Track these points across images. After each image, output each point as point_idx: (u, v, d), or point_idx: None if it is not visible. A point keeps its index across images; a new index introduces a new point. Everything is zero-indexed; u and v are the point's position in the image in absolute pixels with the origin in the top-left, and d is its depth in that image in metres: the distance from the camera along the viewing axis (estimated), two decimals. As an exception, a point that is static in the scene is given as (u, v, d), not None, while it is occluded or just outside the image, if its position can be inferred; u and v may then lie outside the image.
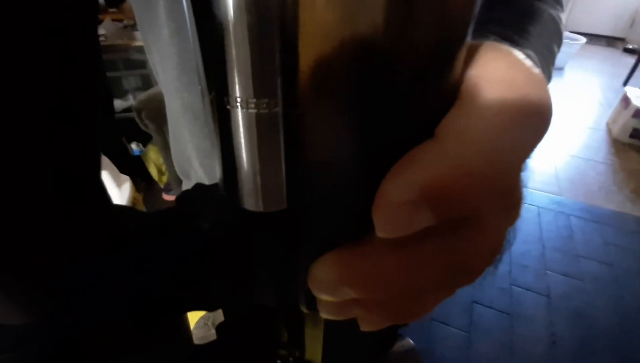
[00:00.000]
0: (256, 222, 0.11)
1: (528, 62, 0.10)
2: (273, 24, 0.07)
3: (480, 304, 1.23)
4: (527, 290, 1.28)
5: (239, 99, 0.08)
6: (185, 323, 0.17)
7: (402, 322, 0.12)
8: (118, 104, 2.11)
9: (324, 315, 0.12)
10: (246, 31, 0.07)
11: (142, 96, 1.01)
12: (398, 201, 0.08)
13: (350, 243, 0.10)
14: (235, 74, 0.08)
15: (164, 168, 1.42)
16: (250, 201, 0.10)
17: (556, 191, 1.74)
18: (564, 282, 1.30)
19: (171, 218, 0.13)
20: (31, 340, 0.10)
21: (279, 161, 0.09)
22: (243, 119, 0.08)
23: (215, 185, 0.12)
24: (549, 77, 0.30)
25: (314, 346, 0.19)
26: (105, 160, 0.66)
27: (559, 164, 1.94)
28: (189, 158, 0.41)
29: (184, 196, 0.13)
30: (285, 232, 0.11)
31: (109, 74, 1.77)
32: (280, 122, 0.08)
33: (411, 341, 0.34)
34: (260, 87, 0.08)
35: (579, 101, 2.59)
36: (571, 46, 3.03)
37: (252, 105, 0.08)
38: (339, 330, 0.18)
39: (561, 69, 3.09)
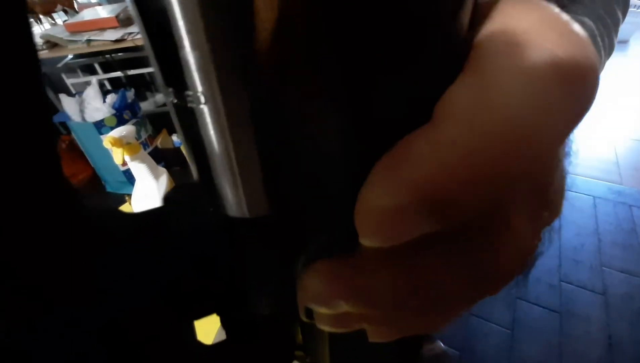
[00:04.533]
0: (240, 228, 0.10)
1: (564, 17, 0.07)
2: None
3: (525, 300, 1.15)
4: (580, 287, 1.18)
5: (201, 96, 0.07)
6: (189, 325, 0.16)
7: (416, 334, 0.10)
8: (159, 98, 2.23)
9: (322, 328, 0.11)
10: (197, 8, 0.06)
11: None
12: (383, 206, 0.06)
13: (344, 249, 0.09)
14: (194, 69, 0.06)
15: (201, 159, 1.47)
16: (231, 207, 0.09)
17: (617, 180, 1.58)
18: (624, 280, 1.19)
19: (153, 219, 0.12)
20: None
21: (255, 159, 0.08)
22: (209, 118, 0.07)
23: (198, 183, 0.11)
24: (610, 48, 0.26)
25: (322, 353, 0.18)
26: (142, 153, 0.68)
27: (620, 149, 1.75)
28: None
29: (169, 196, 0.12)
30: (271, 238, 0.10)
31: (150, 69, 1.86)
32: (250, 117, 0.07)
33: (442, 344, 0.31)
34: (225, 81, 0.06)
35: (647, 78, 2.31)
36: (638, 15, 2.69)
37: (215, 100, 0.07)
38: (346, 340, 0.16)
39: (625, 42, 2.76)
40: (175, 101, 0.07)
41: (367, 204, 0.07)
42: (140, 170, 0.69)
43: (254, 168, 0.08)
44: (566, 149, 0.10)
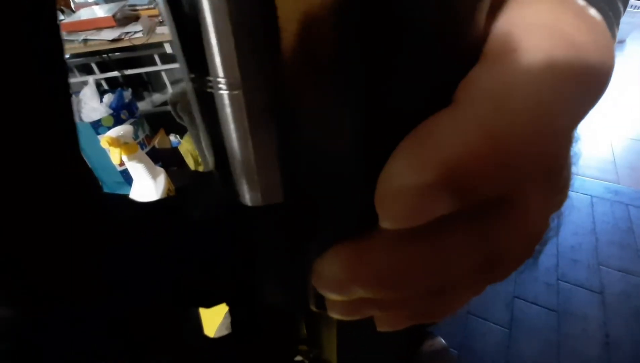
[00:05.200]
0: (254, 216, 0.10)
1: (580, 2, 0.07)
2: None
3: (522, 299, 1.16)
4: (577, 286, 1.18)
5: (222, 81, 0.07)
6: (195, 315, 0.16)
7: (424, 322, 0.10)
8: (157, 97, 2.22)
9: (333, 316, 0.11)
10: (229, 10, 0.06)
11: (177, 89, 1.05)
12: (410, 184, 0.06)
13: (359, 235, 0.09)
14: (218, 57, 0.06)
15: (199, 158, 1.47)
16: (247, 196, 0.09)
17: (613, 179, 1.59)
18: (621, 279, 1.19)
19: (166, 207, 0.12)
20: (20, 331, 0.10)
21: (273, 149, 0.08)
22: (228, 104, 0.07)
23: (210, 173, 0.11)
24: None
25: (329, 345, 0.18)
26: (140, 153, 0.68)
27: (618, 149, 1.76)
28: None
29: (182, 186, 0.13)
30: (284, 226, 0.10)
31: (148, 69, 1.85)
32: (272, 106, 0.07)
33: (443, 340, 0.31)
34: (246, 69, 0.07)
35: (643, 78, 2.32)
36: (634, 15, 2.70)
37: (237, 88, 0.07)
38: (354, 330, 0.16)
39: (622, 42, 2.78)
40: (196, 86, 0.08)
41: (390, 184, 0.07)
42: (138, 170, 0.68)
43: (270, 155, 0.08)
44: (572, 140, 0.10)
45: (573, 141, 0.10)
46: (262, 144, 0.08)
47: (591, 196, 1.51)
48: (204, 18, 0.06)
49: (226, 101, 0.07)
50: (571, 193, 1.52)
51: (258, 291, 0.13)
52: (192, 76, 0.08)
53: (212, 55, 0.07)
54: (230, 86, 0.07)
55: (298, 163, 0.08)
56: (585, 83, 0.07)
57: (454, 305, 0.10)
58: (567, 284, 1.19)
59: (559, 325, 1.09)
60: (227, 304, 0.15)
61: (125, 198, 0.13)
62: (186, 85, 0.08)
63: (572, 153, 0.10)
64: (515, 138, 0.06)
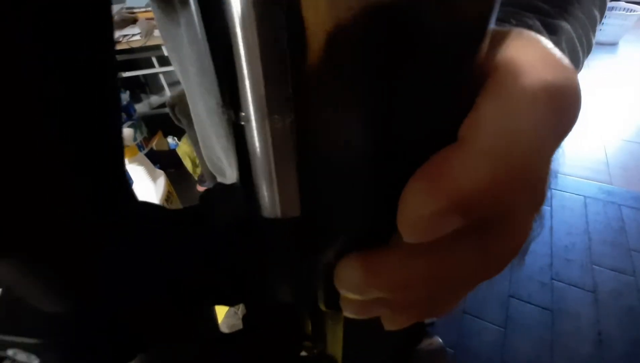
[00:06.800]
0: (272, 227, 0.11)
1: (557, 52, 0.09)
2: (281, 42, 0.07)
3: (517, 299, 1.17)
4: (571, 285, 1.20)
5: (253, 116, 0.08)
6: (211, 311, 0.17)
7: (427, 319, 0.12)
8: (154, 100, 2.22)
9: (347, 314, 0.12)
10: (257, 52, 0.07)
11: (175, 92, 1.05)
12: (425, 212, 0.08)
13: (376, 245, 0.10)
14: (248, 93, 0.08)
15: (197, 160, 1.47)
16: (267, 209, 0.10)
17: (606, 180, 1.61)
18: (613, 278, 1.21)
19: (191, 215, 0.13)
20: (66, 327, 0.11)
21: (293, 170, 0.09)
22: (257, 134, 0.08)
23: (234, 186, 0.12)
24: (588, 48, 0.27)
25: (334, 342, 0.19)
26: (140, 156, 0.69)
27: (610, 150, 1.78)
28: (220, 158, 0.42)
29: (205, 195, 0.14)
30: (300, 236, 0.11)
31: (145, 71, 1.86)
32: (293, 133, 0.08)
33: (440, 340, 0.32)
34: (272, 105, 0.08)
35: (635, 80, 2.34)
36: (626, 17, 2.73)
37: (266, 121, 0.08)
38: (359, 328, 0.18)
39: (614, 44, 2.81)
40: (231, 119, 0.09)
41: (410, 210, 0.08)
42: (138, 173, 0.69)
43: (290, 176, 0.09)
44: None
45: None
46: (283, 165, 0.09)
47: (584, 196, 1.53)
48: (240, 65, 0.07)
49: (254, 130, 0.08)
50: (565, 194, 1.54)
51: (271, 292, 0.14)
52: (228, 110, 0.09)
53: (245, 95, 0.08)
54: (258, 119, 0.08)
55: (315, 182, 0.09)
56: (566, 117, 0.08)
57: (453, 302, 0.12)
58: (561, 283, 1.21)
59: (552, 324, 1.10)
60: (244, 303, 0.16)
61: (156, 206, 0.14)
62: (221, 116, 0.10)
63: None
64: (513, 172, 0.08)
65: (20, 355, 0.11)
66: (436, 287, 0.10)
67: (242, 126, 0.08)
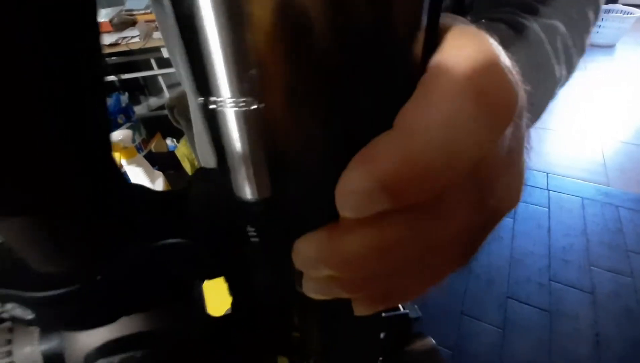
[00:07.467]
0: (246, 207, 0.12)
1: (496, 48, 0.10)
2: (244, 30, 0.08)
3: (515, 300, 1.18)
4: (569, 286, 1.21)
5: (222, 100, 0.09)
6: (199, 293, 0.18)
7: (390, 306, 0.13)
8: (153, 101, 2.22)
9: (307, 293, 0.13)
10: (222, 41, 0.08)
11: (174, 93, 1.06)
12: (355, 189, 0.09)
13: (328, 224, 0.11)
14: (217, 78, 0.08)
15: (196, 162, 1.47)
16: (240, 190, 0.11)
17: (604, 181, 1.62)
18: (611, 279, 1.21)
19: (176, 196, 0.14)
20: (65, 285, 0.12)
21: (263, 152, 0.10)
22: (226, 117, 0.09)
23: (214, 169, 0.13)
24: (581, 49, 0.28)
25: (312, 329, 0.19)
26: (139, 157, 0.69)
27: (608, 152, 1.79)
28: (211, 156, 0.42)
29: (190, 178, 0.15)
30: (272, 216, 0.12)
31: (144, 73, 1.86)
32: (260, 116, 0.09)
33: (433, 341, 0.33)
34: (241, 88, 0.08)
35: (632, 82, 2.36)
36: (624, 20, 2.75)
37: (233, 104, 0.09)
38: (334, 319, 0.18)
39: (612, 46, 2.82)
40: (204, 104, 0.09)
41: (344, 187, 0.09)
42: (137, 174, 0.69)
43: (261, 159, 0.10)
44: (523, 149, 0.12)
45: (524, 149, 0.11)
46: (253, 147, 0.10)
47: (582, 198, 1.53)
48: (209, 51, 0.08)
49: (226, 115, 0.09)
50: (562, 195, 1.55)
51: (251, 272, 0.15)
52: (200, 97, 0.09)
53: (215, 80, 0.08)
54: (230, 104, 0.09)
55: (283, 166, 0.10)
56: (488, 117, 0.09)
57: (413, 290, 0.13)
58: (559, 284, 1.21)
59: (551, 325, 1.11)
60: (225, 279, 0.17)
61: (144, 187, 0.15)
62: (194, 103, 0.10)
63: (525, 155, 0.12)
64: (427, 161, 0.08)
65: (17, 310, 0.12)
66: (382, 267, 0.11)
67: (214, 110, 0.09)
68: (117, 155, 0.65)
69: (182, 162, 1.51)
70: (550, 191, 1.58)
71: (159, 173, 0.77)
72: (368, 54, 0.09)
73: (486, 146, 0.09)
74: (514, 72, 0.10)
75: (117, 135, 0.67)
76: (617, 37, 2.80)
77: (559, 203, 1.52)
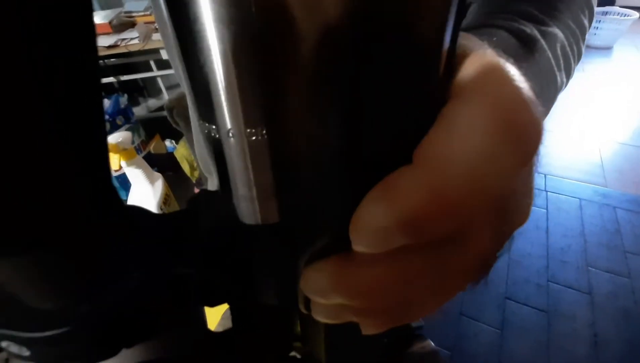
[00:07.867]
0: (253, 233, 0.11)
1: (518, 78, 0.09)
2: (254, 64, 0.07)
3: (513, 300, 1.18)
4: (567, 287, 1.21)
5: (228, 130, 0.08)
6: (200, 310, 0.18)
7: (399, 325, 0.12)
8: (152, 103, 2.22)
9: (315, 317, 0.13)
10: (233, 72, 0.07)
11: (173, 95, 1.06)
12: (372, 226, 0.09)
13: (343, 252, 0.10)
14: (225, 110, 0.08)
15: (195, 163, 1.47)
16: (247, 216, 0.10)
17: (601, 182, 1.62)
18: (609, 280, 1.22)
19: (178, 219, 0.14)
20: (63, 323, 0.11)
21: (270, 180, 0.09)
22: (233, 148, 0.09)
23: (217, 192, 0.13)
24: (578, 55, 0.28)
25: (318, 343, 0.19)
26: (138, 159, 0.69)
27: (606, 153, 1.80)
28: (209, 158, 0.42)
29: (191, 200, 0.14)
30: (280, 241, 0.12)
31: (144, 75, 1.86)
32: (268, 146, 0.09)
33: (432, 343, 0.33)
34: (247, 120, 0.08)
35: (630, 84, 2.37)
36: (621, 22, 2.76)
37: (241, 135, 0.08)
38: (340, 331, 0.18)
39: (609, 48, 2.83)
40: (209, 133, 0.09)
41: (362, 222, 0.09)
42: (137, 175, 0.70)
43: (267, 186, 0.09)
44: (533, 170, 0.11)
45: (531, 176, 0.12)
46: (260, 176, 0.09)
47: (580, 199, 1.54)
48: (215, 84, 0.08)
49: (231, 144, 0.09)
50: (560, 196, 1.55)
51: (255, 293, 0.14)
52: (206, 125, 0.09)
53: (221, 112, 0.08)
54: (235, 135, 0.08)
55: (292, 189, 0.10)
56: (515, 148, 0.08)
57: (424, 311, 0.12)
58: (557, 285, 1.22)
59: (549, 325, 1.11)
60: (229, 303, 0.17)
61: (144, 210, 0.14)
62: (201, 132, 0.10)
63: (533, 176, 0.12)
64: (453, 198, 0.08)
65: (13, 347, 0.12)
66: (398, 297, 0.10)
67: (219, 139, 0.09)
68: (116, 156, 0.65)
69: (181, 163, 1.51)
70: (548, 193, 1.58)
71: (159, 175, 0.77)
72: (386, 80, 0.08)
73: (512, 179, 0.09)
74: (536, 102, 0.09)
75: (117, 137, 0.67)
76: (614, 39, 2.81)
77: (557, 204, 1.52)
